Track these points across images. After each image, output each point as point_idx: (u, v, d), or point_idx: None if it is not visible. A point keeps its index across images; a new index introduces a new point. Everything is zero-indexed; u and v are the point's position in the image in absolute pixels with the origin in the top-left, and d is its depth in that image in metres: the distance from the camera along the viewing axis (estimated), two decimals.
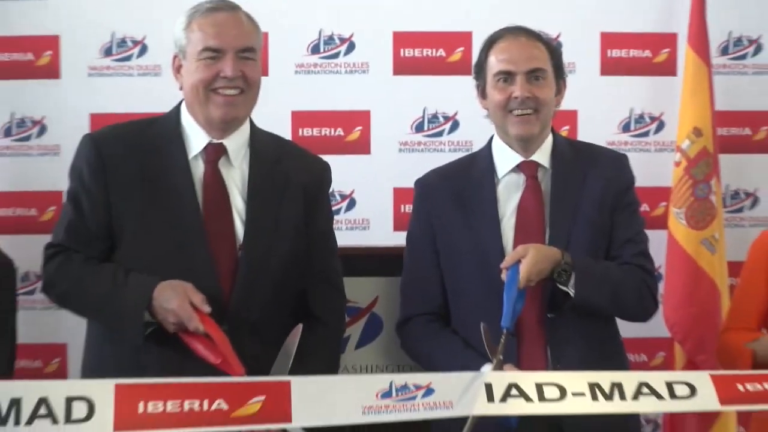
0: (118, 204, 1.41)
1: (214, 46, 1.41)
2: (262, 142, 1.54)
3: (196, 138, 1.44)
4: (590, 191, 1.54)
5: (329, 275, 1.56)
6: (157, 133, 1.46)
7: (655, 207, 2.13)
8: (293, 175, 1.51)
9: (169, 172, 1.43)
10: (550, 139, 1.56)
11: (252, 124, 1.52)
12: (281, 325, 1.40)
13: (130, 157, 1.43)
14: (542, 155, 1.55)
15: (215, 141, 1.43)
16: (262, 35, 1.52)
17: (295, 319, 1.41)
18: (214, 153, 1.45)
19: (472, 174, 1.60)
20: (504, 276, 1.42)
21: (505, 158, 1.54)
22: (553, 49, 1.53)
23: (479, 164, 1.60)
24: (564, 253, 1.46)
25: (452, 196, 1.59)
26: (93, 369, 1.46)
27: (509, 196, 1.55)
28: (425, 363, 1.59)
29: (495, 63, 1.52)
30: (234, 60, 1.41)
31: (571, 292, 1.43)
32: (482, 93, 1.55)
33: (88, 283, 1.41)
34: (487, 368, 1.34)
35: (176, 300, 1.30)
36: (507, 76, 1.47)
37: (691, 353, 2.04)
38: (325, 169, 1.58)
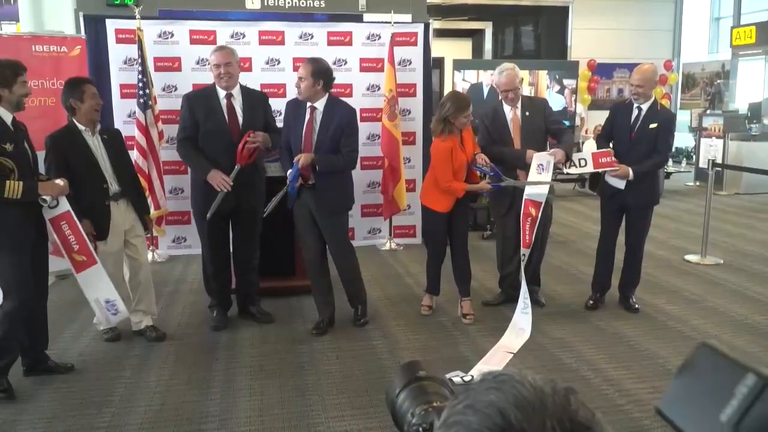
0: (197, 115, 4.12)
1: (215, 62, 4.11)
2: (246, 90, 4.23)
3: (221, 92, 4.13)
4: (339, 121, 4.04)
5: (275, 127, 4.30)
6: (210, 91, 4.20)
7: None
8: (256, 99, 4.26)
9: (214, 104, 4.15)
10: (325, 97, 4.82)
11: (241, 84, 4.20)
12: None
13: (199, 99, 4.16)
14: (319, 104, 4.04)
15: (227, 92, 4.13)
16: (239, 57, 4.23)
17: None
18: (228, 96, 4.13)
19: (299, 105, 4.10)
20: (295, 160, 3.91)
21: (308, 103, 4.06)
22: None
23: (303, 102, 4.06)
24: (315, 155, 3.93)
25: (294, 108, 4.12)
26: (194, 180, 4.35)
27: (304, 117, 4.02)
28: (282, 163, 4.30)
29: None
30: (223, 67, 4.06)
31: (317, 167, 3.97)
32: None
33: (192, 159, 4.18)
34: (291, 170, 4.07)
35: (216, 178, 4.02)
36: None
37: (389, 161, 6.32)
38: (266, 96, 4.44)
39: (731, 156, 9.84)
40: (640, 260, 4.66)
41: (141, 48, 5.62)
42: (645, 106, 4.40)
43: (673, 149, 12.65)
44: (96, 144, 3.87)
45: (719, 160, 9.20)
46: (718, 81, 13.17)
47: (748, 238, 7.01)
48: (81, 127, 3.83)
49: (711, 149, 9.82)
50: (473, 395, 0.57)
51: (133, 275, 4.11)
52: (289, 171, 4.05)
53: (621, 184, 4.44)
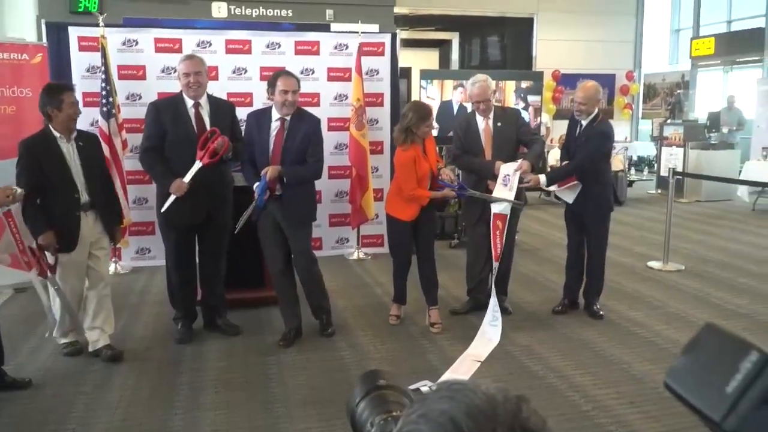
0: (164, 124, 4.09)
1: (184, 71, 4.09)
2: (213, 99, 4.21)
3: (188, 101, 4.09)
4: (305, 131, 4.14)
5: (241, 137, 4.22)
6: (178, 100, 4.19)
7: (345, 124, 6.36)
8: (223, 108, 4.24)
9: (182, 112, 4.11)
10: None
11: (208, 93, 4.18)
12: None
13: (167, 108, 4.12)
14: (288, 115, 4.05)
15: (195, 101, 4.08)
16: (207, 66, 4.21)
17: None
18: (195, 105, 4.08)
19: (262, 116, 4.19)
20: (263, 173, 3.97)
21: (276, 115, 4.05)
22: None
23: (267, 114, 4.14)
24: (282, 167, 3.97)
25: (257, 120, 4.14)
26: (159, 190, 4.19)
27: (270, 128, 4.05)
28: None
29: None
30: (192, 76, 4.04)
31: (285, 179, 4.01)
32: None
33: (155, 170, 4.10)
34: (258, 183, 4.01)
35: (175, 186, 3.94)
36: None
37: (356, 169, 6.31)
38: (233, 105, 4.42)
39: (691, 164, 10.08)
40: (601, 267, 4.73)
41: (104, 56, 5.52)
42: (585, 122, 4.53)
43: (612, 159, 12.68)
44: (70, 152, 3.78)
45: (680, 169, 9.42)
46: (678, 91, 13.50)
47: (709, 244, 7.17)
48: (56, 134, 3.75)
49: (672, 158, 10.05)
50: (427, 404, 0.57)
51: (91, 287, 3.98)
52: (256, 185, 4.03)
53: (570, 198, 4.59)
